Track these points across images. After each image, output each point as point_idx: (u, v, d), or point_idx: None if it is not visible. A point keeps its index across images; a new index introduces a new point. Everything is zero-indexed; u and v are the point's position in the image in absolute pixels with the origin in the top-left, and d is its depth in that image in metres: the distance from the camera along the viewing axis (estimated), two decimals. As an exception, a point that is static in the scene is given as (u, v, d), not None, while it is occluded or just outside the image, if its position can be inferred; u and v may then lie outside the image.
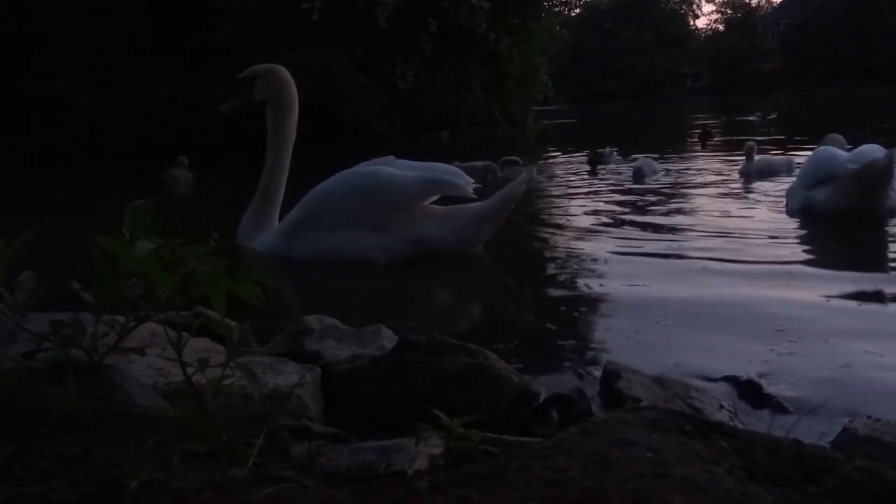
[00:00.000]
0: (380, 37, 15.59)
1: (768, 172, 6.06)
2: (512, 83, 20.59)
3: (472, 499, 0.78)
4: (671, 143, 11.08)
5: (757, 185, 5.73)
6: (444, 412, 1.05)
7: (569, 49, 54.13)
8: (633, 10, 72.20)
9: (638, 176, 6.35)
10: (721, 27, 76.34)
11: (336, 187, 3.51)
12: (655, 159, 7.26)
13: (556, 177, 7.35)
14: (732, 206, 4.81)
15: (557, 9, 26.90)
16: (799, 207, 4.30)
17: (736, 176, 6.25)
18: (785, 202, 4.53)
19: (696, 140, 10.92)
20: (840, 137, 5.07)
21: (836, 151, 4.31)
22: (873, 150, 4.10)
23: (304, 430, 1.07)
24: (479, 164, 6.14)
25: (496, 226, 3.47)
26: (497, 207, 3.39)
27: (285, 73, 3.87)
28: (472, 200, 3.48)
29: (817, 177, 4.21)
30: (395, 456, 0.95)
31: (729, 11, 75.96)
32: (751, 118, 17.71)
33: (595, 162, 7.72)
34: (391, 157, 3.66)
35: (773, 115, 17.99)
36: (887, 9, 51.41)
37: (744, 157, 6.30)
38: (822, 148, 4.58)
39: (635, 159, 6.55)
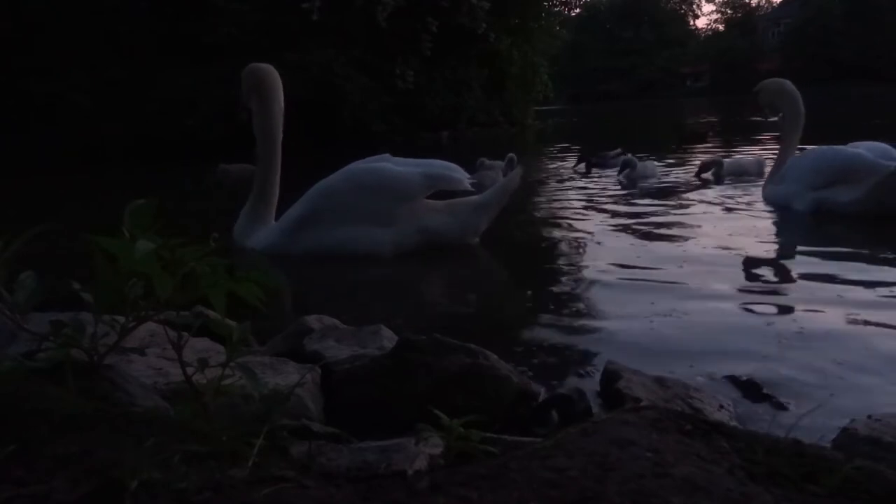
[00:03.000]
0: (380, 37, 15.57)
1: (739, 173, 6.24)
2: (512, 83, 20.56)
3: (472, 499, 0.78)
4: (669, 144, 11.01)
5: (737, 185, 5.78)
6: (444, 412, 1.05)
7: (569, 49, 54.24)
8: (633, 10, 72.19)
9: (628, 178, 6.36)
10: (721, 27, 76.24)
11: (341, 183, 3.57)
12: (647, 160, 7.26)
13: (555, 177, 7.34)
14: (729, 206, 4.81)
15: (557, 9, 26.81)
16: (810, 209, 4.19)
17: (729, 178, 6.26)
18: (788, 205, 4.42)
19: (684, 141, 10.80)
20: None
21: (855, 150, 4.14)
22: (884, 148, 4.06)
23: (304, 430, 1.08)
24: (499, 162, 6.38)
25: (493, 216, 3.66)
26: (494, 198, 3.61)
27: (263, 69, 3.87)
28: (470, 193, 3.64)
29: (831, 177, 4.11)
30: (395, 456, 0.95)
31: (729, 11, 75.87)
32: (774, 119, 17.28)
33: (592, 165, 7.68)
34: (387, 155, 3.73)
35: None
36: (887, 9, 51.35)
37: (699, 167, 6.43)
38: (831, 147, 4.44)
39: (632, 161, 6.54)
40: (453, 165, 3.61)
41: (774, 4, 72.59)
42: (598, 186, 6.26)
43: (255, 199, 3.87)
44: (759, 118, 17.25)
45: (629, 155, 6.83)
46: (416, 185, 3.48)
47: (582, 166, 7.64)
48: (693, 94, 63.29)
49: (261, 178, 3.88)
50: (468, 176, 3.64)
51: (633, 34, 71.59)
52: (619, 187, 6.08)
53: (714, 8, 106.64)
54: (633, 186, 6.10)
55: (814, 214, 4.16)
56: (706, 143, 10.74)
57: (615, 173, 6.75)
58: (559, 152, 10.96)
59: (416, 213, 3.54)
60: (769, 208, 4.57)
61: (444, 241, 3.59)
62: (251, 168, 7.73)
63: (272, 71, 3.87)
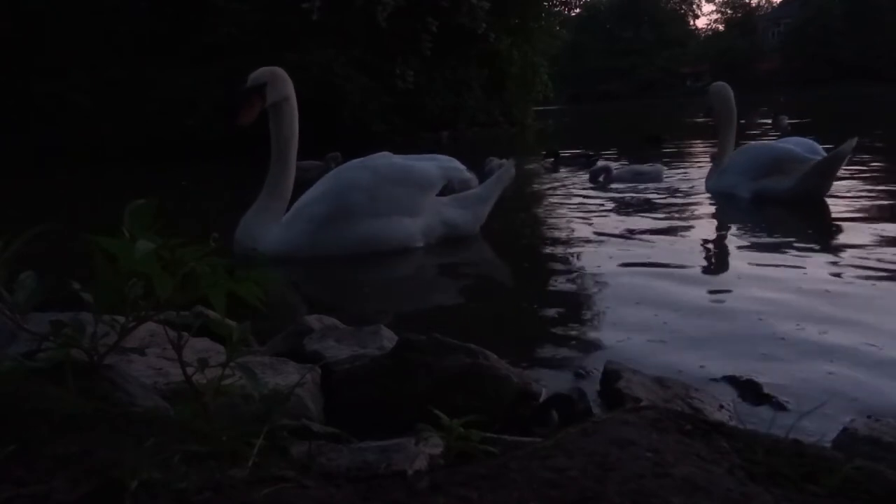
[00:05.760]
0: (380, 37, 15.56)
1: None
2: (512, 83, 20.56)
3: (472, 499, 0.77)
4: (632, 146, 10.83)
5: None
6: (444, 412, 1.05)
7: (569, 49, 54.22)
8: (633, 10, 72.17)
9: (606, 180, 6.36)
10: (721, 27, 76.18)
11: (361, 177, 3.57)
12: (625, 163, 7.26)
13: (554, 177, 7.34)
14: (728, 205, 4.81)
15: (557, 9, 26.84)
16: (751, 196, 4.71)
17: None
18: (731, 193, 4.87)
19: (646, 144, 10.45)
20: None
21: (785, 146, 4.80)
22: (809, 143, 4.75)
23: (304, 430, 1.07)
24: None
25: (490, 207, 3.92)
26: (493, 190, 3.88)
27: (283, 73, 3.86)
28: (469, 187, 4.01)
29: (767, 169, 4.68)
30: (395, 456, 0.95)
31: (729, 11, 75.82)
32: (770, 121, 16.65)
33: (558, 164, 7.93)
34: (387, 153, 3.75)
35: (795, 120, 16.79)
36: (887, 9, 51.30)
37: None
38: (764, 144, 5.07)
39: (606, 167, 6.57)
40: (454, 160, 3.79)
41: (774, 4, 72.57)
42: (597, 187, 6.25)
43: (267, 199, 3.65)
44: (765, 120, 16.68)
45: (603, 160, 6.89)
46: (435, 177, 3.63)
47: (549, 162, 8.32)
48: (693, 93, 63.13)
49: (276, 177, 3.67)
50: (467, 169, 3.91)
51: (633, 34, 71.58)
52: (618, 189, 6.04)
53: (714, 8, 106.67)
54: (606, 188, 6.08)
55: (754, 201, 4.68)
56: (662, 145, 10.56)
57: (584, 174, 6.77)
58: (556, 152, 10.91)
59: (435, 206, 3.71)
60: (751, 204, 4.75)
61: (461, 232, 3.78)
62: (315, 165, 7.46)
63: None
